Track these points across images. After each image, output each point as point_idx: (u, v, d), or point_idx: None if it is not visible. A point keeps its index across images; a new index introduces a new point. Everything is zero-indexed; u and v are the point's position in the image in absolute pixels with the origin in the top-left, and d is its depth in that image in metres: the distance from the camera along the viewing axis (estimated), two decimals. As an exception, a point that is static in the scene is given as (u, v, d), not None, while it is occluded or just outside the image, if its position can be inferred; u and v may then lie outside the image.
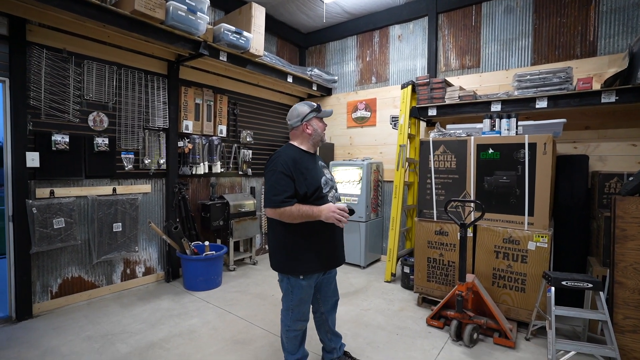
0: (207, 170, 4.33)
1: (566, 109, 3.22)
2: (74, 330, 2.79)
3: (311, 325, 2.21)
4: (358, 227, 4.54)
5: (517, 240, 2.88)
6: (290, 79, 4.83)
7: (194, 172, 4.17)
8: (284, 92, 5.47)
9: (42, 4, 2.58)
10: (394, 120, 4.84)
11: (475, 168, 3.10)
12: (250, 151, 4.92)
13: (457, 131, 3.36)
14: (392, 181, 4.71)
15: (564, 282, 2.38)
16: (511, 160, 2.92)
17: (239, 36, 3.81)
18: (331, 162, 5.06)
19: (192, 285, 3.69)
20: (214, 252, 3.80)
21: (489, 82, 4.12)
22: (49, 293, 3.14)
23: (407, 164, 4.11)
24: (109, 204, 3.44)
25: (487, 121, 3.19)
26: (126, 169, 3.60)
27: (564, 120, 3.11)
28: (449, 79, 4.25)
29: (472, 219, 2.91)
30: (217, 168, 4.42)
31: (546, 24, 3.79)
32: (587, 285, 2.35)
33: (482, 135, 3.14)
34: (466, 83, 4.19)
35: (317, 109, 2.07)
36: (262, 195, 5.17)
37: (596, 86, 3.24)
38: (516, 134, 3.03)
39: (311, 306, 2.18)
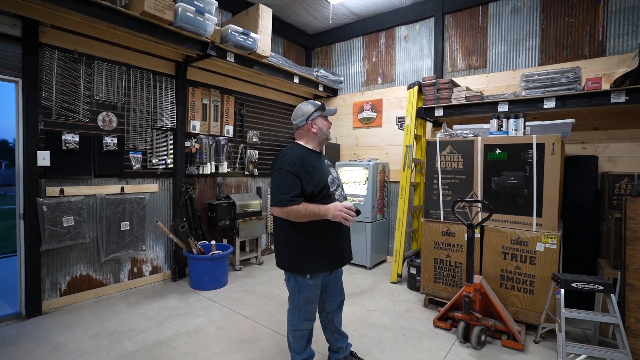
0: (213, 170, 4.36)
1: (575, 109, 3.19)
2: (82, 328, 2.81)
3: (317, 325, 2.21)
4: (364, 227, 4.53)
5: (525, 242, 2.86)
6: (296, 80, 4.85)
7: (200, 172, 4.20)
8: (290, 93, 5.50)
9: (55, 5, 2.63)
10: (400, 121, 4.84)
11: (483, 168, 3.08)
12: (257, 151, 4.94)
13: (464, 131, 3.35)
14: (398, 182, 4.69)
15: (574, 284, 2.35)
16: (519, 160, 2.90)
17: (246, 37, 3.84)
18: (337, 163, 5.06)
19: (199, 285, 3.71)
20: (220, 251, 3.81)
21: (495, 82, 4.10)
22: (57, 290, 3.17)
23: (413, 164, 4.10)
24: (117, 202, 3.47)
25: (494, 121, 3.17)
26: (134, 168, 3.63)
27: (572, 120, 3.08)
28: (455, 79, 4.24)
29: (480, 220, 2.89)
30: (224, 168, 4.45)
31: (554, 24, 3.76)
32: (598, 287, 2.31)
33: (490, 136, 3.12)
34: (473, 83, 4.17)
35: (322, 108, 2.08)
36: (268, 196, 5.18)
37: (605, 86, 3.21)
38: (524, 134, 3.01)
39: (317, 306, 2.18)
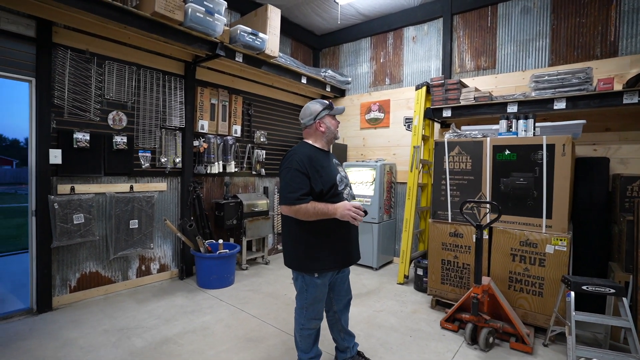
0: (221, 170, 4.39)
1: (586, 110, 3.15)
2: (91, 324, 2.85)
3: (324, 324, 2.21)
4: (371, 228, 4.52)
5: (535, 243, 2.82)
6: (304, 80, 4.86)
7: (208, 171, 4.23)
8: (297, 94, 5.51)
9: (69, 6, 2.67)
10: (408, 122, 4.82)
11: (491, 169, 3.06)
12: (264, 151, 4.97)
13: (473, 132, 3.32)
14: (405, 183, 4.67)
15: (584, 287, 2.32)
16: (528, 161, 2.87)
17: (254, 37, 3.86)
18: (344, 163, 5.06)
19: (206, 283, 3.73)
20: (227, 250, 3.83)
21: (505, 83, 4.06)
22: (67, 287, 3.22)
23: (420, 165, 4.08)
24: (126, 201, 3.51)
25: (503, 122, 3.15)
26: (143, 167, 3.67)
27: (583, 121, 3.04)
28: (463, 80, 4.21)
29: (488, 221, 2.87)
30: (231, 167, 4.48)
31: (565, 24, 3.72)
32: (609, 290, 2.28)
33: (499, 137, 3.10)
34: (481, 84, 4.14)
35: (330, 107, 2.08)
36: (275, 195, 5.20)
37: (617, 87, 3.16)
38: (533, 135, 2.98)
39: (324, 305, 2.18)
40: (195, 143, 4.10)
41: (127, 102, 3.54)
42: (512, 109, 3.41)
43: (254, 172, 4.89)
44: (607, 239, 3.13)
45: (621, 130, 3.35)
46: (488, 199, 3.06)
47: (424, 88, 4.03)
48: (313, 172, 1.91)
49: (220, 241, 3.93)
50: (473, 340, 2.64)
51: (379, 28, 5.17)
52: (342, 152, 5.45)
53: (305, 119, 2.08)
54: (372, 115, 5.27)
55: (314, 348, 2.12)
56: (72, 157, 3.15)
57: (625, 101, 2.89)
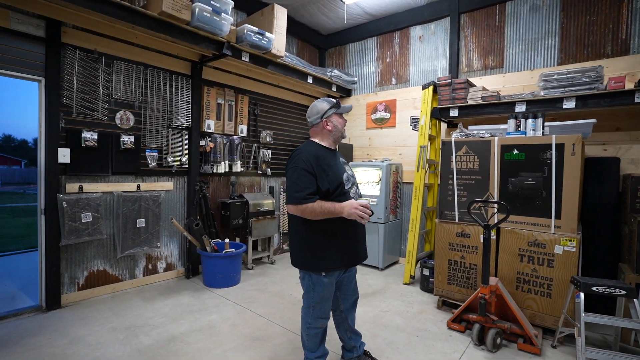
0: (227, 169, 4.40)
1: (596, 109, 3.11)
2: (99, 322, 2.87)
3: (331, 324, 2.20)
4: (377, 228, 4.50)
5: (543, 244, 2.79)
6: (310, 80, 4.86)
7: (214, 171, 4.25)
8: (303, 93, 5.51)
9: (77, 6, 2.70)
10: (414, 122, 4.79)
11: (499, 169, 3.03)
12: (270, 151, 4.97)
13: (480, 132, 3.30)
14: (411, 183, 4.64)
15: (594, 288, 2.29)
16: (537, 161, 2.84)
17: (261, 37, 3.87)
18: (350, 163, 5.03)
19: (212, 282, 3.75)
20: (233, 250, 3.84)
21: (513, 82, 4.02)
22: (76, 285, 3.25)
23: (427, 165, 4.06)
24: (133, 200, 3.54)
25: (511, 121, 3.12)
26: (150, 166, 3.70)
27: (593, 120, 3.00)
28: (471, 79, 4.18)
29: (496, 221, 2.84)
30: (237, 167, 4.49)
31: (574, 22, 3.68)
32: (620, 291, 2.24)
33: (507, 136, 3.07)
34: (489, 84, 4.11)
35: (337, 105, 2.07)
36: (281, 195, 5.20)
37: (629, 86, 3.11)
38: (542, 134, 2.95)
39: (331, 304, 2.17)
40: (202, 142, 4.12)
41: (134, 102, 3.57)
42: (521, 108, 3.38)
43: (259, 172, 4.90)
44: (617, 239, 3.08)
45: (632, 130, 3.30)
46: (496, 199, 3.03)
47: (431, 87, 4.01)
48: (320, 171, 1.91)
49: (227, 240, 3.94)
50: (480, 341, 2.62)
51: (386, 27, 5.15)
52: (348, 152, 5.43)
53: (312, 118, 2.07)
54: (378, 115, 5.25)
55: (320, 347, 2.11)
56: (80, 156, 3.18)
57: (637, 100, 2.85)
